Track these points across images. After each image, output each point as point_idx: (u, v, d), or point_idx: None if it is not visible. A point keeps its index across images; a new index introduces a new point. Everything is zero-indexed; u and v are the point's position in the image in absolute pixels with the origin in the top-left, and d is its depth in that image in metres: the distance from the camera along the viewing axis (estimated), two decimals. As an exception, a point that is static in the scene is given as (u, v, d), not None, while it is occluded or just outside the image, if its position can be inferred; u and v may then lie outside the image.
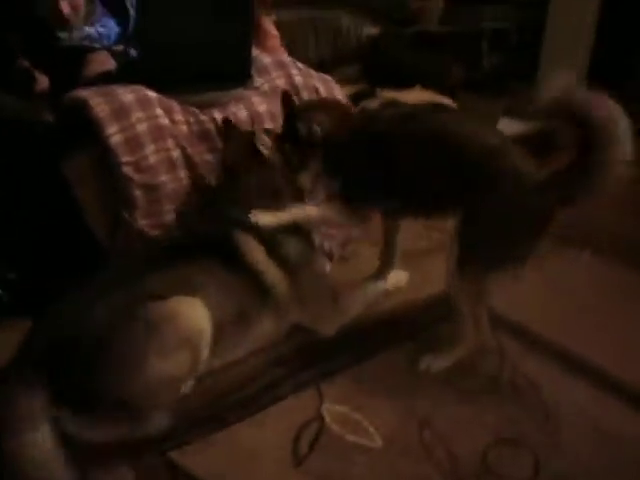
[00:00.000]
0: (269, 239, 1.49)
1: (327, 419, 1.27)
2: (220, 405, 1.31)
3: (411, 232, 1.81)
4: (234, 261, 1.43)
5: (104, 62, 1.85)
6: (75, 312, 1.18)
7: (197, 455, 1.18)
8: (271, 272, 1.45)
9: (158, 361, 1.15)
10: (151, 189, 1.65)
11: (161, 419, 1.20)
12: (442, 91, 2.53)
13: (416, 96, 2.42)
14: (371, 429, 1.24)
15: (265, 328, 1.46)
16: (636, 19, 3.55)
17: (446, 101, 2.45)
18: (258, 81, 1.95)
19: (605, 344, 1.49)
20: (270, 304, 1.46)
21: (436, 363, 1.42)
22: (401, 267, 1.78)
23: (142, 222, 1.67)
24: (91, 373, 1.11)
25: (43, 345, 1.15)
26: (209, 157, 1.78)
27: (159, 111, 1.67)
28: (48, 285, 1.58)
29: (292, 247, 1.54)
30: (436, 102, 2.41)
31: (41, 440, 1.05)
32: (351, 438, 1.22)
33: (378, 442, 1.21)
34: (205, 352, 1.24)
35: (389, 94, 2.42)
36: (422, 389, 1.37)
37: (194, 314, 1.23)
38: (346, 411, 1.29)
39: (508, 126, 2.95)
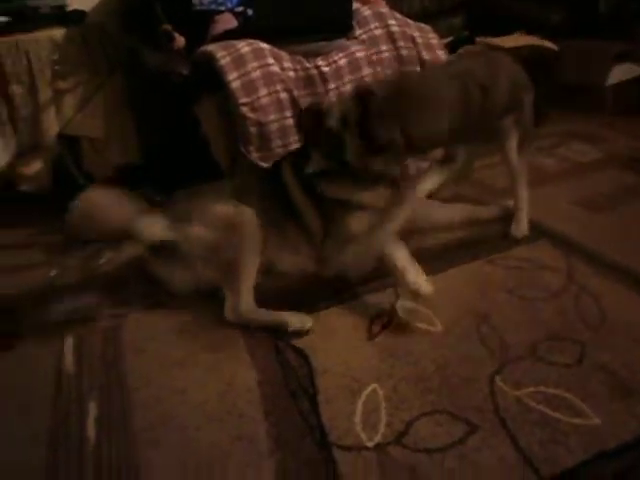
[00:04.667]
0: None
1: (399, 312, 1.51)
2: (313, 296, 1.61)
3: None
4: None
5: (228, 22, 2.18)
6: None
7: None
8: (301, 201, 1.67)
9: (200, 227, 1.60)
10: (262, 126, 1.96)
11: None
12: (545, 36, 2.53)
13: (516, 40, 2.46)
14: (435, 319, 1.45)
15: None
16: None
17: (548, 44, 2.45)
18: (358, 32, 2.16)
19: None
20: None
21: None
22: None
23: (255, 155, 1.98)
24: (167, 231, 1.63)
25: None
26: (310, 99, 2.05)
27: (270, 60, 1.96)
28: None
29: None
30: (537, 46, 2.44)
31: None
32: (417, 324, 1.45)
33: (439, 328, 1.43)
34: (249, 241, 1.57)
35: (488, 40, 2.49)
36: (487, 296, 1.54)
37: (242, 210, 1.60)
38: (416, 307, 1.52)
39: (619, 71, 2.85)
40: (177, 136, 2.07)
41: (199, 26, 2.19)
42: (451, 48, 2.40)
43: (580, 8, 2.73)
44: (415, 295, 1.47)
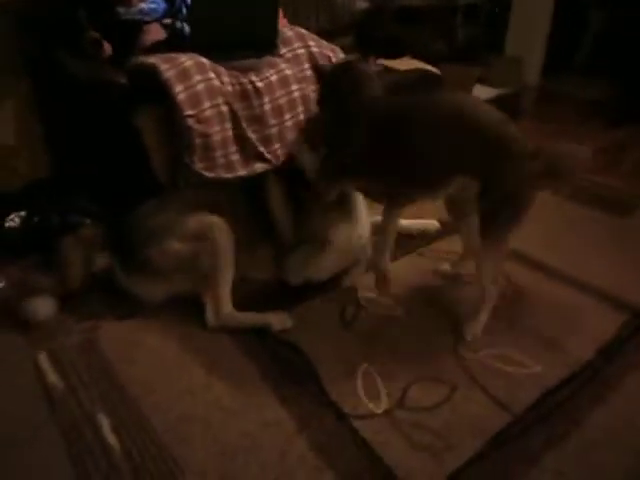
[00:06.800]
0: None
1: (363, 302, 1.74)
2: (282, 296, 1.77)
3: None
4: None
5: (157, 33, 2.21)
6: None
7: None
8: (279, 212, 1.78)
9: (174, 241, 1.64)
10: (206, 137, 2.04)
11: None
12: (427, 61, 2.97)
13: (408, 64, 2.86)
14: (395, 305, 1.72)
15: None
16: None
17: (432, 69, 2.89)
18: (283, 50, 2.35)
19: (555, 252, 2.02)
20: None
21: (474, 328, 1.60)
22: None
23: (199, 165, 2.06)
24: (135, 245, 1.67)
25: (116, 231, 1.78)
26: (247, 112, 2.18)
27: (211, 74, 2.05)
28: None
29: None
30: (425, 70, 2.86)
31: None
32: (381, 311, 1.70)
33: (400, 312, 1.70)
34: (223, 248, 1.65)
35: (384, 62, 2.84)
36: (428, 282, 1.85)
37: (212, 220, 1.68)
38: (375, 297, 1.77)
39: (481, 92, 3.44)
40: (115, 146, 2.05)
41: (124, 36, 2.19)
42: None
43: (452, 38, 3.25)
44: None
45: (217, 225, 1.69)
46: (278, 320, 1.63)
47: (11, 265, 1.85)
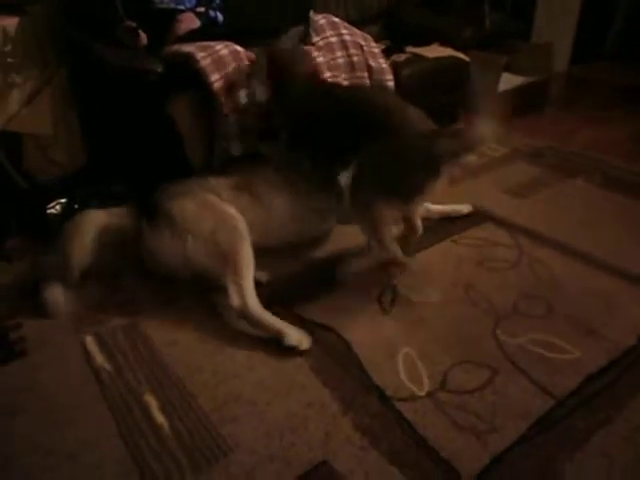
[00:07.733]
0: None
1: (398, 286, 1.76)
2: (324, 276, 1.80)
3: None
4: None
5: (191, 21, 2.23)
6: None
7: (314, 308, 1.67)
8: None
9: (192, 202, 1.73)
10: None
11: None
12: (455, 48, 2.94)
13: (437, 51, 2.84)
14: (431, 291, 1.73)
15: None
16: None
17: (462, 56, 2.86)
18: (315, 38, 2.35)
19: (590, 239, 2.00)
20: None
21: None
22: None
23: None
24: (159, 202, 1.76)
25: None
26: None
27: (246, 62, 2.07)
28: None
29: None
30: (454, 57, 2.84)
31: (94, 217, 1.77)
32: (418, 297, 1.71)
33: (436, 298, 1.70)
34: (240, 240, 1.66)
35: (414, 50, 2.83)
36: (463, 269, 1.85)
37: (230, 209, 1.75)
38: (411, 280, 1.78)
39: (509, 80, 3.40)
40: (149, 131, 2.08)
41: (159, 25, 2.21)
42: (385, 54, 2.68)
43: (480, 25, 3.22)
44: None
45: (235, 215, 1.74)
46: (296, 336, 1.52)
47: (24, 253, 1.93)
